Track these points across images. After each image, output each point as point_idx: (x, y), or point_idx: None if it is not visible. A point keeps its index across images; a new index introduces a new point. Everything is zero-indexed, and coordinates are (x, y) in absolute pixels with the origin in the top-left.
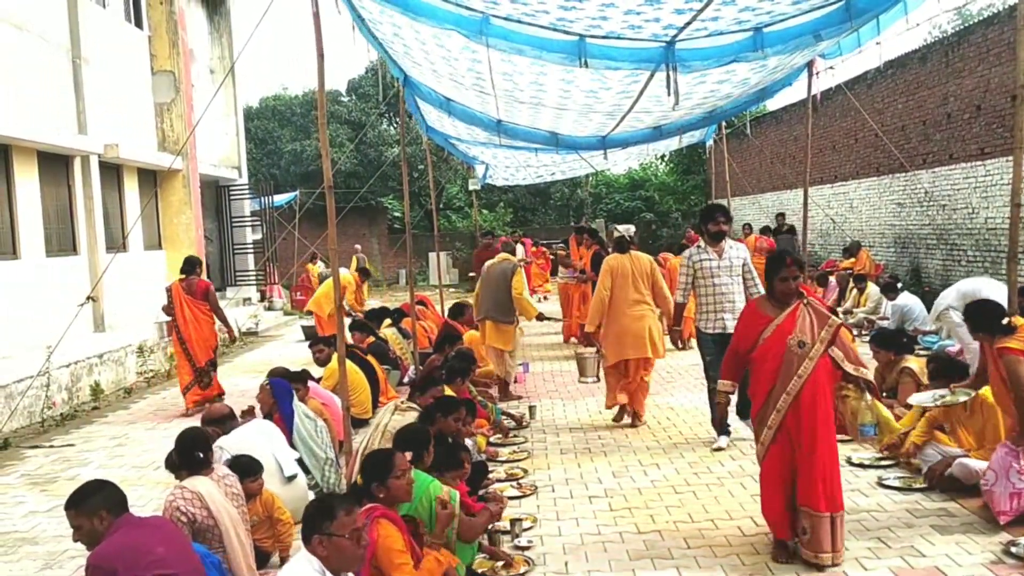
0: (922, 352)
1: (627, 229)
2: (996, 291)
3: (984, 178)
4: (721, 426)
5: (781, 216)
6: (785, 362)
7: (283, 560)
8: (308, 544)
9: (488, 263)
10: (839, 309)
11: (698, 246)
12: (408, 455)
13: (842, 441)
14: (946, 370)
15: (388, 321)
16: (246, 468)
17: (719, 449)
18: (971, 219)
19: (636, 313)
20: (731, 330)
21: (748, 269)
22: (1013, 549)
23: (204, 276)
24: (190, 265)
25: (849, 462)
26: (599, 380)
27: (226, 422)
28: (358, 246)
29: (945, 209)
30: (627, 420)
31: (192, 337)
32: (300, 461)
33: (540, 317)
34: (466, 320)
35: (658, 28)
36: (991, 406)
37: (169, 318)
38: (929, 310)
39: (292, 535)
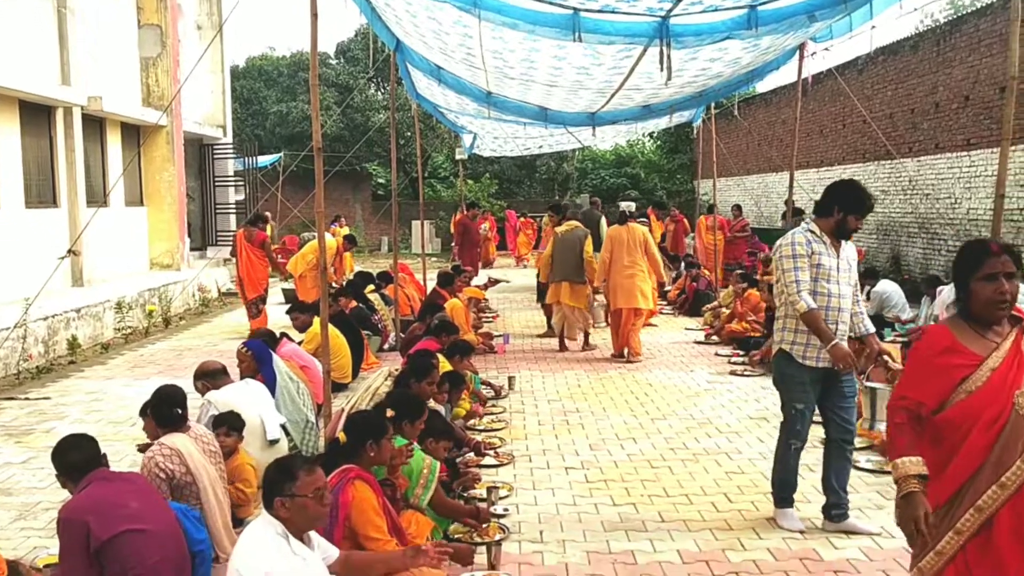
0: (900, 339)
1: (628, 205)
2: None
3: (968, 169)
4: (788, 494)
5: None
6: (1007, 433)
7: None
8: (270, 508)
9: (560, 231)
10: None
11: (810, 230)
12: (390, 424)
13: None
14: None
15: (371, 287)
16: (227, 423)
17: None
18: (953, 209)
19: (628, 273)
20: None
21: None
22: None
23: (266, 229)
24: (256, 218)
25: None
26: (607, 324)
27: (218, 377)
28: (267, 213)
29: (928, 198)
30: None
31: (244, 276)
32: (283, 427)
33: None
34: (454, 288)
35: (653, 2)
36: None
37: (232, 259)
38: (908, 298)
39: (249, 506)
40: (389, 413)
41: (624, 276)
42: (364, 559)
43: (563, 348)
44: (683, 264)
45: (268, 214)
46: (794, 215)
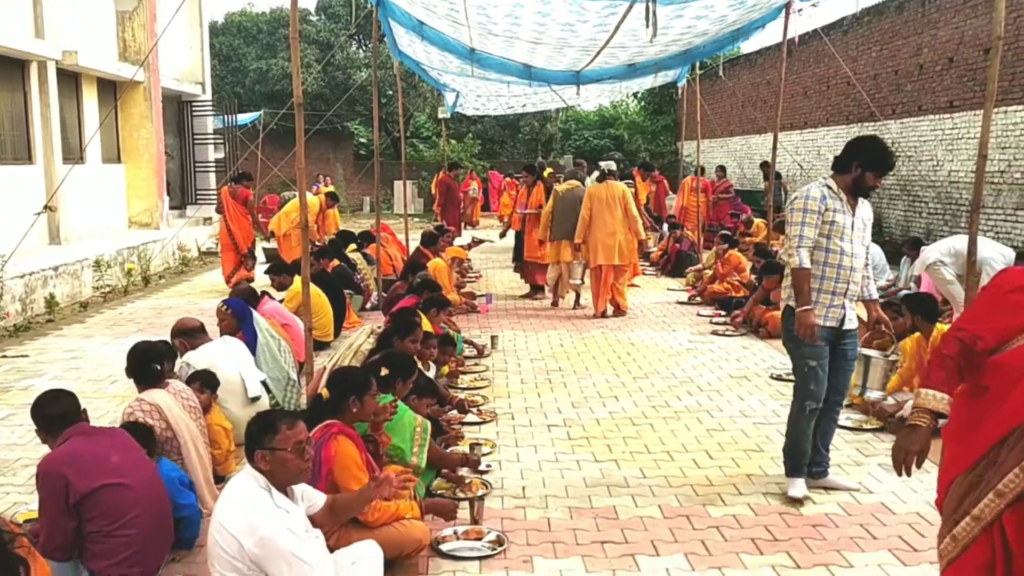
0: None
1: (608, 165)
2: (988, 247)
3: (951, 131)
4: (801, 463)
5: (765, 164)
6: None
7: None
8: (252, 460)
9: (561, 189)
10: None
11: (827, 185)
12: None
13: None
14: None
15: (353, 245)
16: (200, 379)
17: (796, 500)
18: (935, 171)
19: (609, 230)
20: (851, 325)
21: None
22: None
23: (247, 186)
24: (241, 176)
25: None
26: (583, 283)
27: (196, 335)
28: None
29: (911, 160)
30: (611, 312)
31: (237, 231)
32: (264, 384)
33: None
34: (438, 248)
35: None
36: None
37: (220, 215)
38: (888, 260)
39: (227, 463)
40: (383, 371)
41: (605, 234)
42: (345, 501)
43: (556, 304)
44: (665, 226)
45: (253, 174)
46: (777, 178)
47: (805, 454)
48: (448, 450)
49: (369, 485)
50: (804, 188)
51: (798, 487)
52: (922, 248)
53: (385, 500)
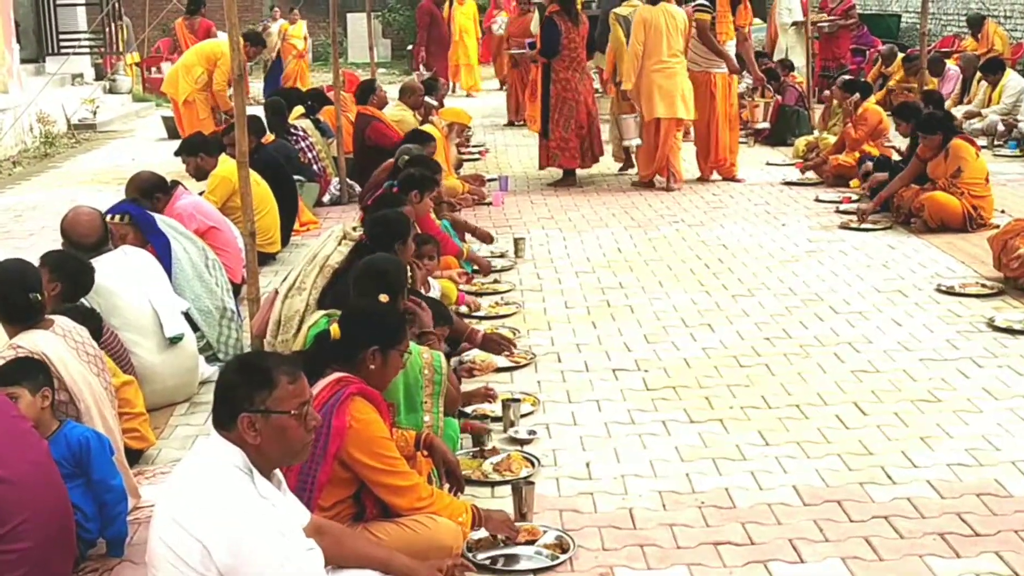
0: None
1: None
2: None
3: None
4: None
5: None
6: None
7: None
8: (227, 427)
9: (620, 12)
10: (962, 107)
11: None
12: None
13: None
14: None
15: (300, 108)
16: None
17: None
18: None
19: (668, 71)
20: None
21: None
22: None
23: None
24: (198, 2)
25: None
26: (643, 142)
27: (100, 247)
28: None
29: None
30: (662, 183)
31: None
32: (188, 316)
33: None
34: (428, 110)
35: None
36: None
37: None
38: None
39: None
40: (383, 298)
41: (663, 75)
42: (354, 543)
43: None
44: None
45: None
46: None
47: None
48: (472, 411)
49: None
50: None
51: None
52: None
53: None
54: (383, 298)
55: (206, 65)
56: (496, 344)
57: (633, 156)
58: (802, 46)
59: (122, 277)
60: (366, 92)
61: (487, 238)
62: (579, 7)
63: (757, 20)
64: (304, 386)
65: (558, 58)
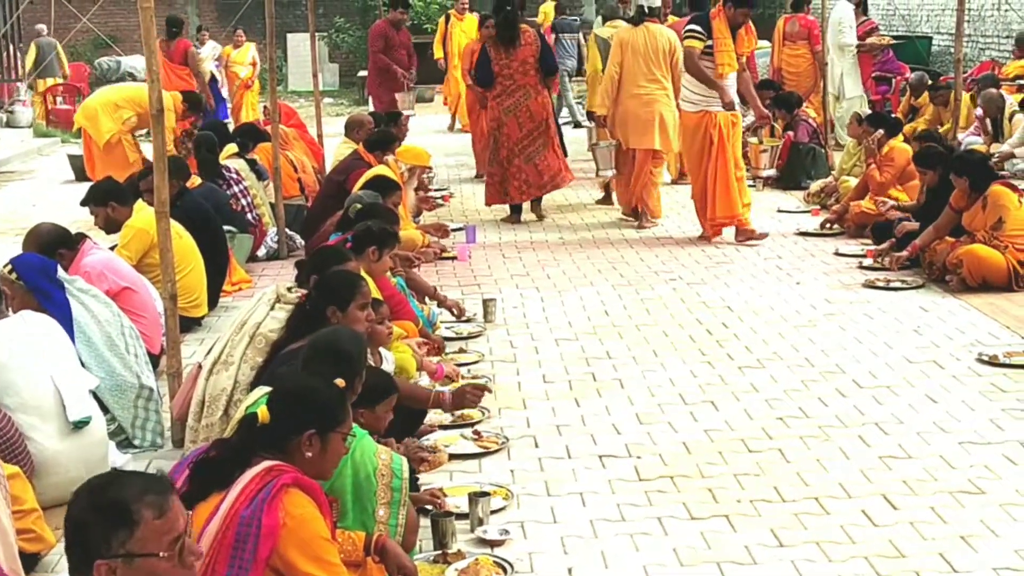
0: None
1: None
2: None
3: None
4: None
5: None
6: None
7: None
8: (79, 572)
9: (599, 34)
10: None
11: None
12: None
13: None
14: None
15: (232, 147)
16: None
17: None
18: None
19: (645, 97)
20: None
21: None
22: None
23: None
24: (173, 22)
25: None
26: (619, 173)
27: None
28: (41, 26)
29: None
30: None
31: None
32: (96, 396)
33: None
34: (388, 150)
35: None
36: None
37: None
38: None
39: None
40: (339, 383)
41: (640, 101)
42: None
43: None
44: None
45: (183, 19)
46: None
47: None
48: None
49: None
50: None
51: None
52: None
53: None
54: (339, 383)
55: (137, 109)
56: (472, 396)
57: (611, 188)
58: (857, 73)
59: (19, 348)
60: (384, 144)
61: (456, 308)
62: (518, 31)
63: (763, 42)
64: (176, 516)
65: (491, 88)
